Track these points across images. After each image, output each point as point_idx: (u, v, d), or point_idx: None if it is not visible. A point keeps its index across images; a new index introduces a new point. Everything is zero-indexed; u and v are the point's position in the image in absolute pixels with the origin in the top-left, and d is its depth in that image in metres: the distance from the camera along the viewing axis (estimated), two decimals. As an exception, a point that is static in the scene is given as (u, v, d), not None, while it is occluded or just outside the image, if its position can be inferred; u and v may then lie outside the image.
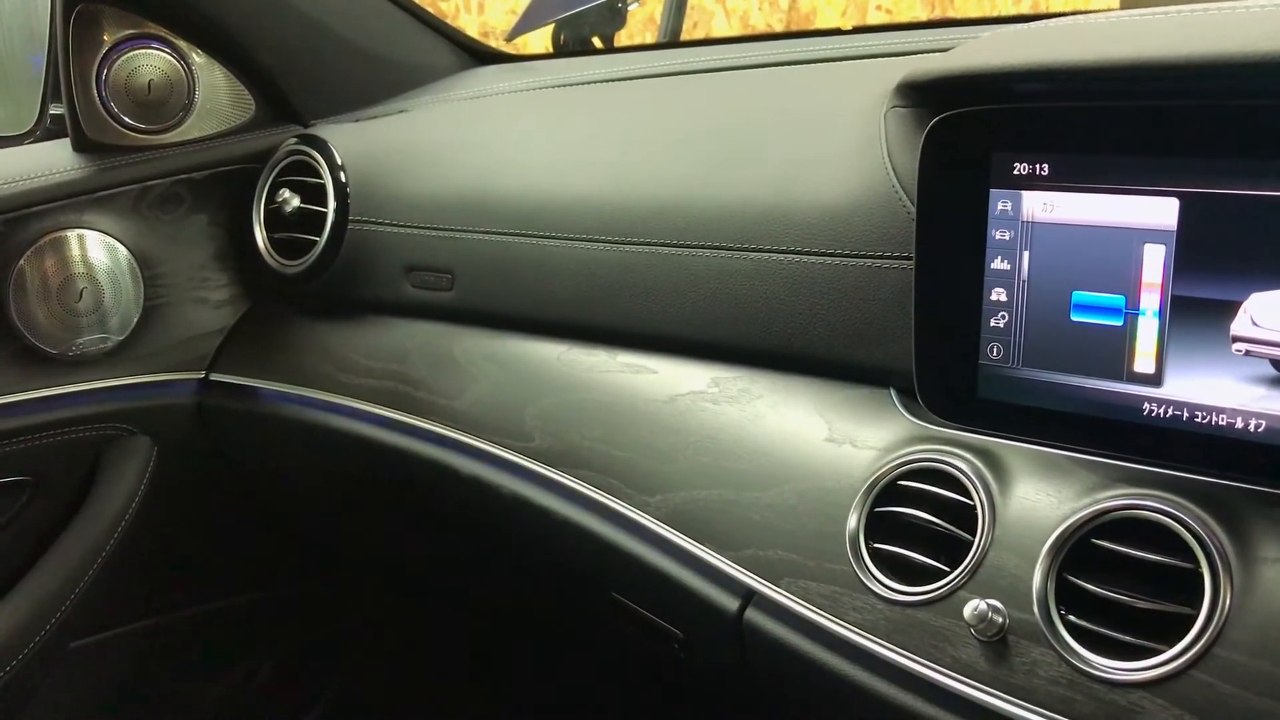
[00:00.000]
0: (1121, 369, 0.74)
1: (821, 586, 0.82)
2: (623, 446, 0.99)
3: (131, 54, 1.28)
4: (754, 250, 0.94)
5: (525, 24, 1.67)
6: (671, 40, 1.90)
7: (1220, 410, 0.71)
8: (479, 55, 1.54)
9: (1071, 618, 0.70)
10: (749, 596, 0.87)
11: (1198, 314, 0.71)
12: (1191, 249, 0.71)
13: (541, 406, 1.07)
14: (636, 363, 1.04)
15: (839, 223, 0.89)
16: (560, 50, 1.70)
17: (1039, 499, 0.75)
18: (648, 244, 1.02)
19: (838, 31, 1.25)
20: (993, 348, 0.79)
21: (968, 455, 0.80)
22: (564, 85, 1.29)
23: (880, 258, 0.87)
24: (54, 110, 1.37)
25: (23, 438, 1.25)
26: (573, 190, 1.10)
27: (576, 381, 1.06)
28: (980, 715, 0.72)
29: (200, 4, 1.29)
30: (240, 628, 1.62)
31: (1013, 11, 4.98)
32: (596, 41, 1.69)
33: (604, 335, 1.07)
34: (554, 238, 1.09)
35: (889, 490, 0.82)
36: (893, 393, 0.88)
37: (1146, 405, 0.73)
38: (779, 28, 4.43)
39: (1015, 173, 0.77)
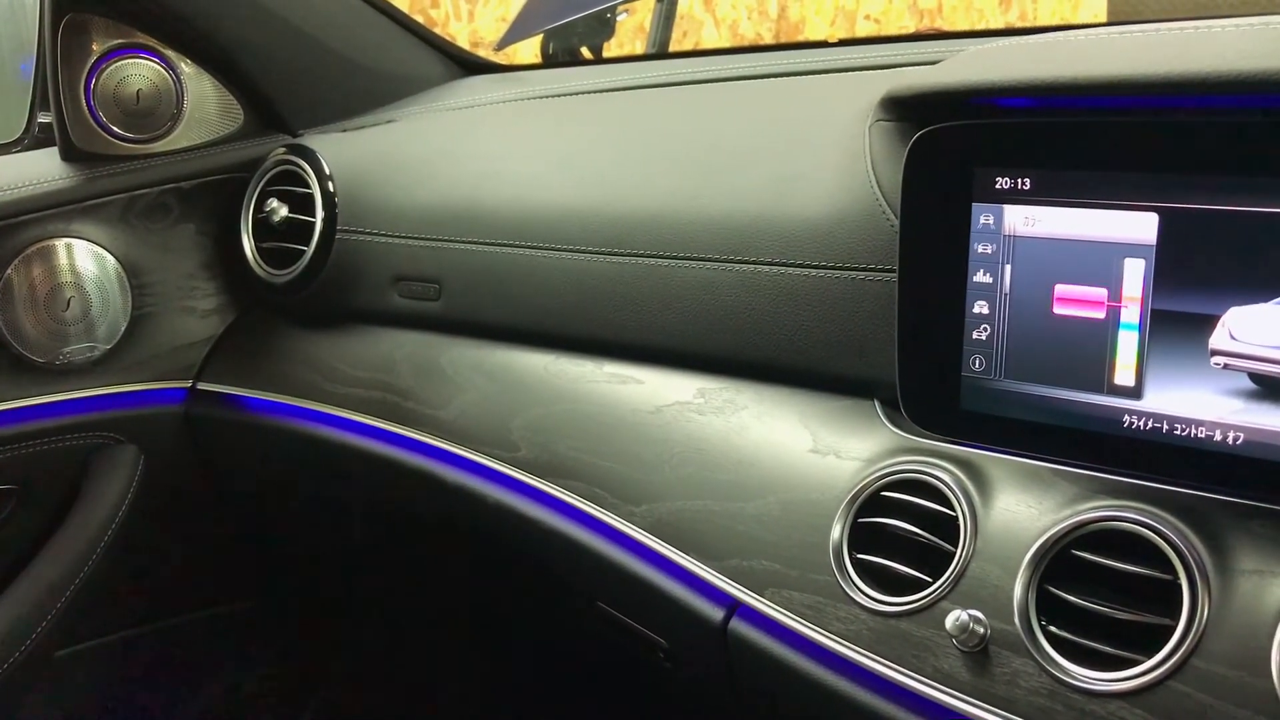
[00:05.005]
0: (1102, 381, 0.75)
1: (805, 597, 0.82)
2: (609, 457, 0.99)
3: (120, 63, 1.28)
4: (739, 262, 0.95)
5: (515, 33, 1.67)
6: (660, 51, 1.91)
7: (1199, 423, 0.71)
8: (467, 65, 1.55)
9: (1052, 628, 0.71)
10: (733, 606, 0.88)
11: (1177, 327, 0.71)
12: (1171, 263, 0.71)
13: (528, 417, 1.07)
14: (623, 373, 1.04)
15: (823, 235, 0.90)
16: (549, 61, 1.71)
17: (1020, 510, 0.76)
18: (634, 255, 1.03)
19: (824, 44, 1.26)
20: (975, 360, 0.80)
21: (950, 466, 0.80)
22: (552, 96, 1.29)
23: (864, 270, 0.87)
24: (42, 119, 1.37)
25: (9, 446, 1.25)
26: (560, 201, 1.11)
27: (563, 392, 1.06)
28: (961, 725, 0.73)
29: (189, 15, 1.29)
30: (227, 637, 1.61)
31: (1000, 21, 5.00)
32: (585, 51, 1.69)
33: (590, 346, 1.07)
34: (541, 248, 1.10)
35: (872, 501, 0.82)
36: (876, 404, 0.89)
37: (1126, 417, 0.74)
38: (768, 37, 4.44)
39: (997, 187, 0.77)
